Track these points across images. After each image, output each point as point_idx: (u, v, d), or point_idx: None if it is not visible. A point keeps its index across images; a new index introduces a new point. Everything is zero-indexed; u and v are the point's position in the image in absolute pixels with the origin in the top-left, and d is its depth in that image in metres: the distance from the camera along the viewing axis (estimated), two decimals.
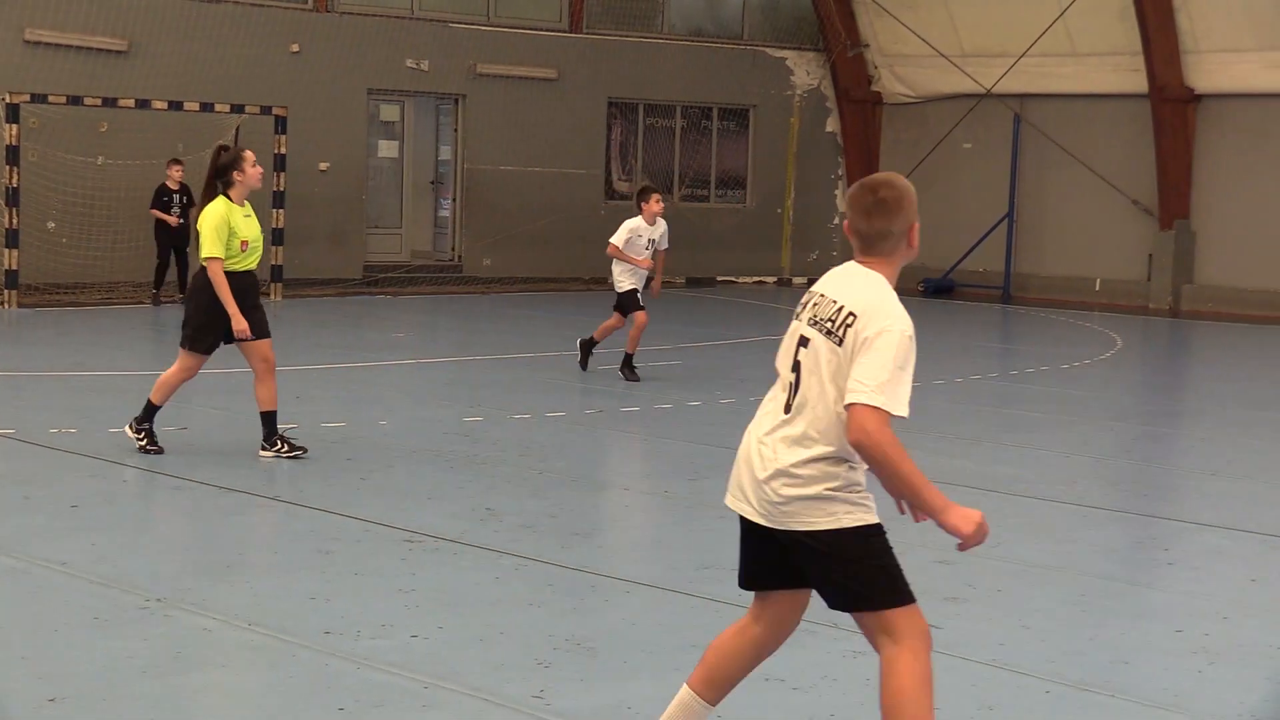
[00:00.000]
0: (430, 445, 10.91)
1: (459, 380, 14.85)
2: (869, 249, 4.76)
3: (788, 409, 4.77)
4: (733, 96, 28.57)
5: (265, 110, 22.22)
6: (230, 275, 10.02)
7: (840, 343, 4.60)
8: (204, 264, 10.04)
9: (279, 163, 22.16)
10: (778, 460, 4.74)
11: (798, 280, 29.15)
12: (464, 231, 25.98)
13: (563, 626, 6.67)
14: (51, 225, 21.82)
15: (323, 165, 24.27)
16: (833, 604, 4.85)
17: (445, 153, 26.76)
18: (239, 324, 9.97)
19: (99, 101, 21.14)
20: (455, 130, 26.01)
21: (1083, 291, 26.85)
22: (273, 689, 5.81)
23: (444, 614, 6.80)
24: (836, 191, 29.83)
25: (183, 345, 10.26)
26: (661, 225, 14.67)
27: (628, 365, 14.66)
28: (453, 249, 26.26)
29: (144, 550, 7.88)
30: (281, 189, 22.22)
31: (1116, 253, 26.71)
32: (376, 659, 6.12)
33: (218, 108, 21.94)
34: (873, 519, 4.69)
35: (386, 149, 26.08)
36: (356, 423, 11.76)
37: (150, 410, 10.27)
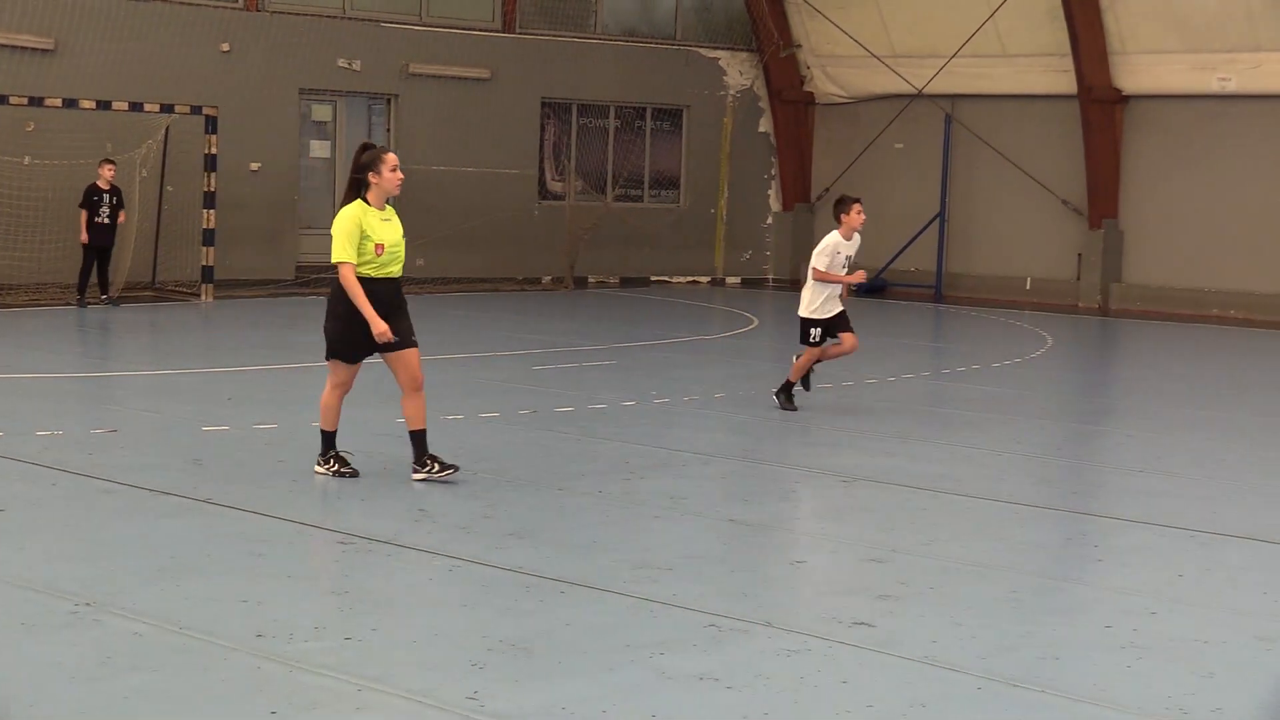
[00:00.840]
0: (363, 447, 10.85)
1: (390, 381, 14.75)
2: None
3: None
4: (666, 97, 28.62)
5: (195, 110, 22.04)
6: (367, 281, 9.45)
7: None
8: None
9: (209, 163, 22.00)
10: None
11: (731, 280, 29.23)
12: None
13: (497, 628, 6.66)
14: None
15: (254, 165, 24.12)
16: None
17: None
18: (378, 326, 9.42)
19: (25, 101, 20.90)
20: (388, 130, 25.91)
21: (1013, 290, 27.09)
22: (204, 693, 5.77)
23: (377, 616, 6.78)
24: (769, 191, 29.95)
25: (326, 357, 9.81)
26: (857, 238, 13.63)
27: (788, 390, 13.33)
28: None
29: (73, 554, 7.80)
30: (212, 190, 22.06)
31: (1046, 252, 26.97)
32: (309, 661, 6.09)
33: (147, 107, 21.75)
34: None
35: (319, 149, 25.95)
36: (289, 424, 11.69)
37: (326, 439, 9.81)
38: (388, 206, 9.68)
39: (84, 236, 20.73)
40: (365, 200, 9.60)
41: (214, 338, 18.43)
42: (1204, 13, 24.83)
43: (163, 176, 23.11)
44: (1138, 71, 25.72)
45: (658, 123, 28.97)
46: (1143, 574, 8.07)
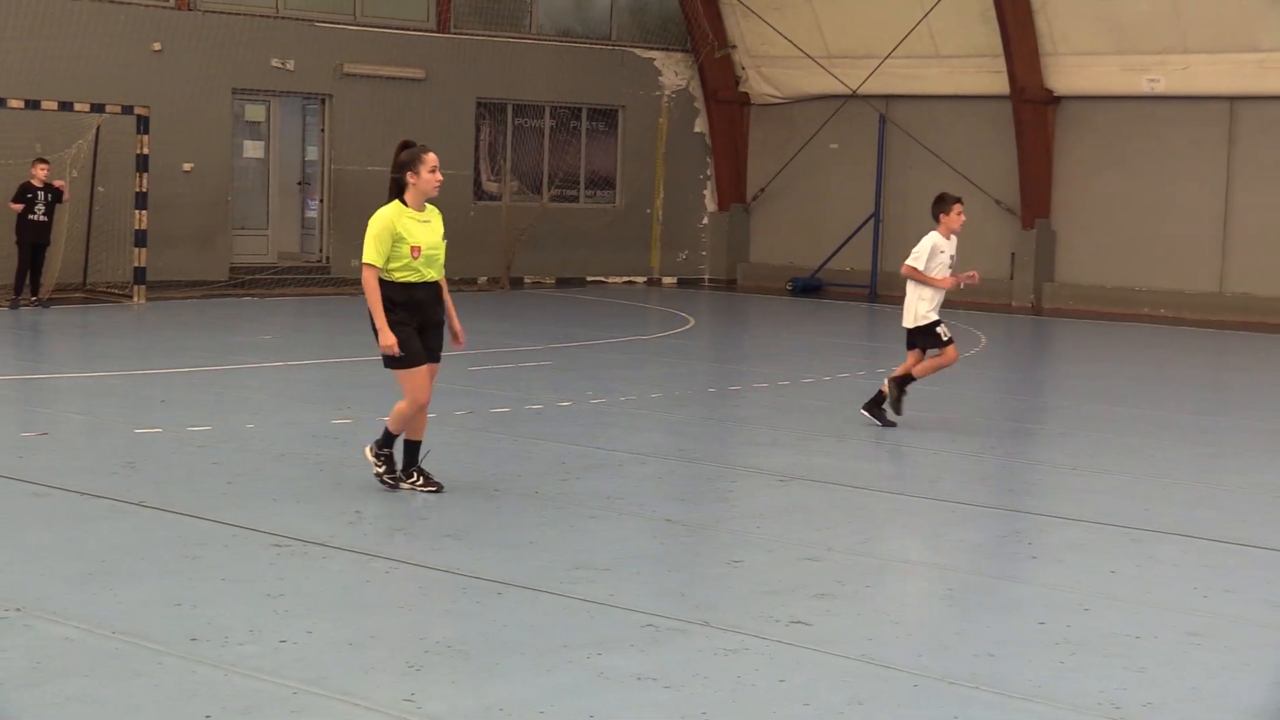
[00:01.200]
0: (298, 448, 10.80)
1: (327, 382, 14.72)
2: None
3: None
4: (601, 97, 28.61)
5: (126, 110, 21.84)
6: (406, 287, 9.10)
7: None
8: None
9: (141, 163, 21.80)
10: None
11: (667, 280, 29.26)
12: (332, 232, 25.75)
13: (434, 629, 6.64)
14: None
15: (187, 166, 23.93)
16: None
17: (312, 153, 26.50)
18: (385, 339, 9.01)
19: None
20: (322, 130, 25.78)
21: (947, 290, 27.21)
22: (137, 698, 5.72)
23: (313, 618, 6.74)
24: (705, 191, 30.00)
25: (388, 366, 9.27)
26: (954, 237, 12.91)
27: (901, 387, 12.68)
28: (320, 250, 26.02)
29: (2, 559, 7.71)
30: (144, 190, 21.86)
31: (980, 251, 27.08)
32: (244, 665, 6.05)
33: (77, 107, 21.54)
34: None
35: (252, 149, 25.78)
36: (223, 426, 11.60)
37: (409, 450, 9.40)
38: (428, 207, 9.30)
39: (14, 206, 20.53)
40: (403, 201, 9.19)
41: (146, 340, 18.27)
42: (1134, 15, 25.09)
43: (94, 177, 22.89)
44: (1069, 72, 25.95)
45: (593, 123, 28.96)
46: (1076, 571, 8.15)
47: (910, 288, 12.59)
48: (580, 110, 28.65)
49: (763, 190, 29.66)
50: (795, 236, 29.00)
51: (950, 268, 12.62)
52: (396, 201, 9.19)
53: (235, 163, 25.13)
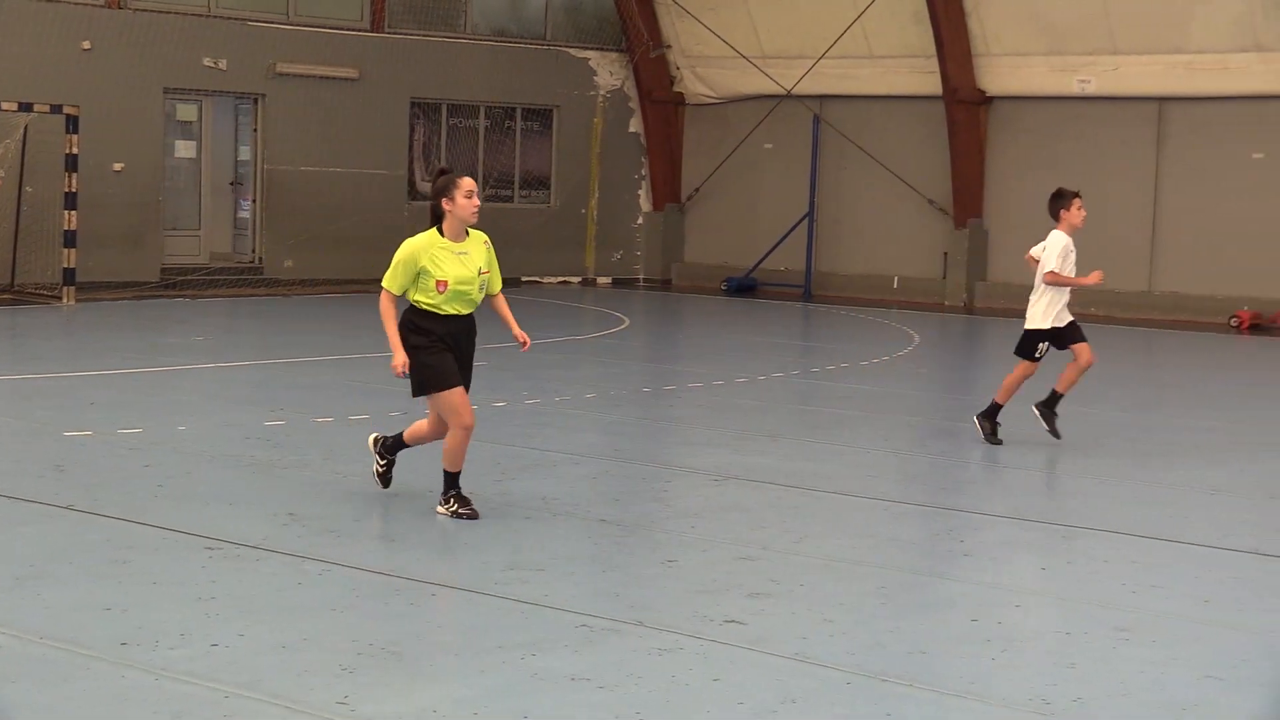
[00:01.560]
0: (231, 450, 10.72)
1: (260, 384, 14.62)
2: None
3: None
4: (536, 97, 28.57)
5: (55, 109, 21.61)
6: (434, 317, 8.72)
7: None
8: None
9: (70, 163, 21.57)
10: None
11: (602, 280, 29.26)
12: (265, 233, 25.58)
13: (367, 631, 6.61)
14: None
15: (117, 166, 23.70)
16: None
17: (245, 153, 26.30)
18: (398, 357, 8.66)
19: None
20: (255, 130, 25.60)
21: (881, 289, 27.40)
22: (66, 703, 5.66)
23: (245, 621, 6.70)
24: (640, 191, 30.02)
25: (422, 393, 8.91)
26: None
27: (1050, 406, 12.17)
28: (253, 250, 25.84)
29: None
30: (73, 190, 21.63)
31: (913, 251, 27.32)
32: (175, 669, 6.00)
33: (4, 106, 21.29)
34: None
35: (184, 149, 25.58)
36: (154, 428, 11.50)
37: (449, 479, 8.94)
38: (471, 235, 8.82)
39: None
40: (440, 230, 8.74)
41: (76, 341, 18.09)
42: (1065, 17, 25.32)
43: (21, 177, 22.63)
44: (1001, 73, 26.15)
45: (528, 123, 28.92)
46: (1007, 568, 8.21)
47: (1041, 292, 11.88)
48: (515, 110, 28.60)
49: (697, 190, 29.70)
50: (730, 236, 29.08)
51: (1073, 268, 11.95)
52: (433, 230, 8.75)
53: (167, 162, 24.92)
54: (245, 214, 26.28)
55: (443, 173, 8.83)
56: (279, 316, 21.43)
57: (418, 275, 8.69)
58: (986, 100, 26.35)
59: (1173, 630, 7.08)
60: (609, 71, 29.36)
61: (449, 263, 8.69)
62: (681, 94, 29.75)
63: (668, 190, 29.91)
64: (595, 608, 7.05)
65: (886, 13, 26.58)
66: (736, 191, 29.18)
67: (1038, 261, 12.00)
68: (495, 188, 28.33)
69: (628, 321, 21.96)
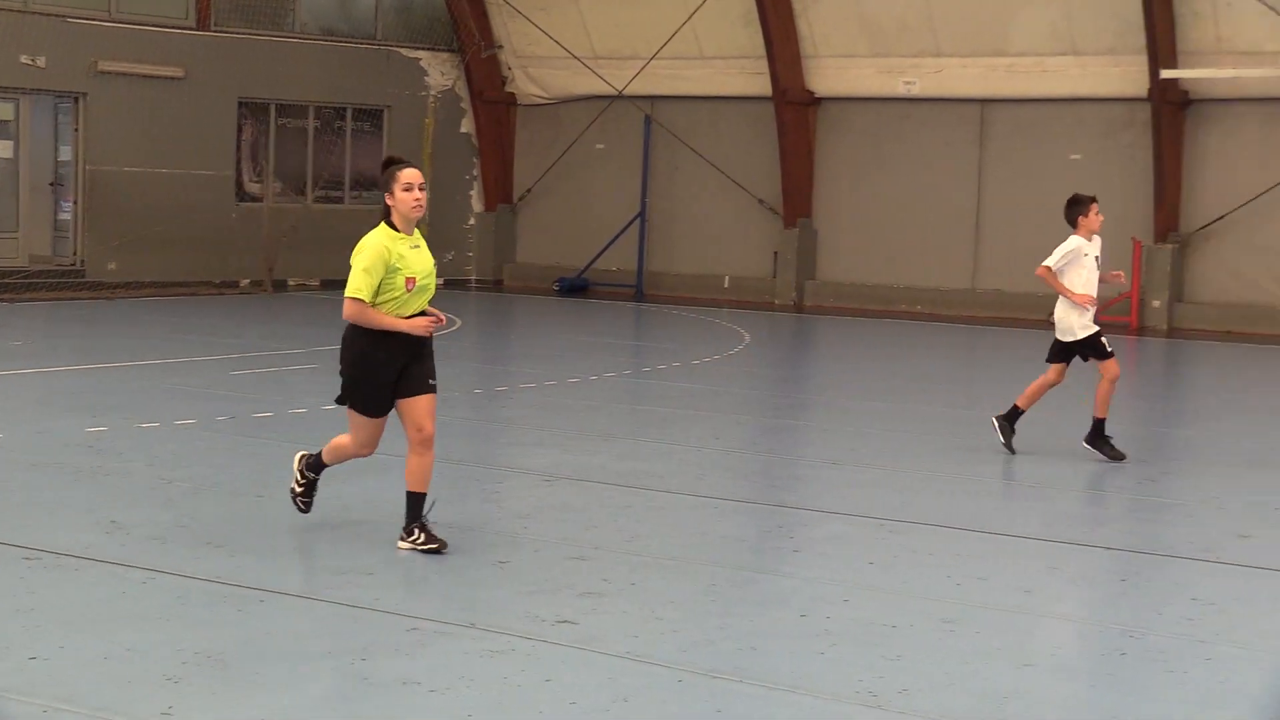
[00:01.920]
0: (51, 458, 10.47)
1: (82, 389, 14.28)
2: None
3: None
4: (367, 97, 28.31)
5: None
6: (389, 336, 8.20)
7: None
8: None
9: None
10: None
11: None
12: (87, 234, 24.99)
13: (193, 640, 6.49)
14: None
15: None
16: None
17: (65, 153, 25.66)
18: (416, 327, 8.20)
19: None
20: (76, 130, 25.00)
21: (712, 289, 27.62)
22: None
23: (65, 633, 6.54)
24: (472, 192, 29.91)
25: (338, 401, 8.39)
26: (1098, 240, 11.80)
27: (1100, 436, 11.83)
28: (74, 253, 25.22)
29: None
30: None
31: (744, 251, 27.58)
32: None
33: None
34: None
35: (1, 149, 24.90)
36: None
37: (412, 504, 8.19)
38: (416, 231, 8.36)
39: None
40: (392, 225, 8.22)
41: None
42: (890, 19, 25.76)
43: None
44: (829, 75, 26.52)
45: (358, 123, 28.64)
46: (836, 563, 8.32)
47: (1062, 301, 11.77)
48: (345, 110, 28.31)
49: (529, 190, 29.67)
50: (562, 237, 29.09)
51: (1096, 270, 11.73)
52: (382, 226, 8.21)
53: None
54: (66, 216, 25.64)
55: (389, 162, 8.28)
56: (102, 320, 20.96)
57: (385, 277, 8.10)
58: (815, 101, 26.70)
59: (995, 621, 7.23)
60: (440, 72, 29.21)
61: (412, 257, 8.23)
62: (513, 94, 29.71)
63: (500, 191, 29.84)
64: (426, 610, 7.01)
65: (717, 14, 26.80)
66: (569, 192, 29.21)
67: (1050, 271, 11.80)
68: (325, 189, 28.01)
69: (459, 323, 21.85)
